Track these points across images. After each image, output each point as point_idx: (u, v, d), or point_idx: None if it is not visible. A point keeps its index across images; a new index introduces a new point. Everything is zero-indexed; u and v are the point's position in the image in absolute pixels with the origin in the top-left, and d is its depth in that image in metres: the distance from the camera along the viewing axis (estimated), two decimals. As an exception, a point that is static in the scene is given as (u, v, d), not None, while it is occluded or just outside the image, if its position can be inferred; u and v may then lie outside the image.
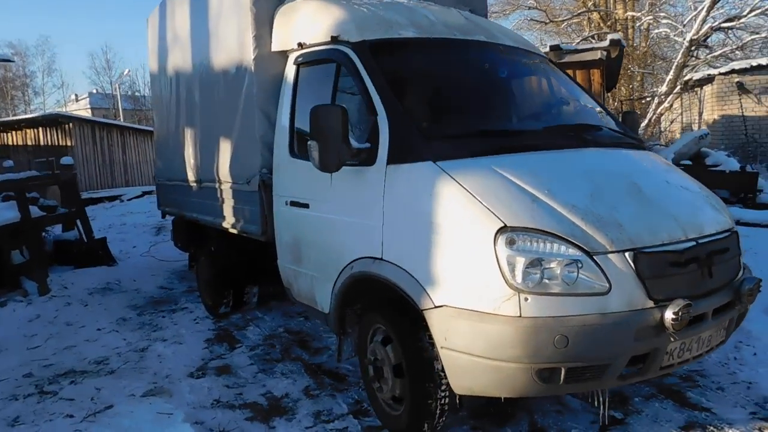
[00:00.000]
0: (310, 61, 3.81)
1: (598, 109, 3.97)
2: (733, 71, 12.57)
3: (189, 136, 5.74)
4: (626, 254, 2.56)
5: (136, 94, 48.62)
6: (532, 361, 2.50)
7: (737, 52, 13.94)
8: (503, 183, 2.73)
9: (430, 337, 2.89)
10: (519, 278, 2.49)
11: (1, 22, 74.26)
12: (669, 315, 2.49)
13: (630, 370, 2.63)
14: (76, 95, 53.55)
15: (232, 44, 4.47)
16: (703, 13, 13.21)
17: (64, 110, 44.91)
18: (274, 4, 4.17)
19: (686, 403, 3.46)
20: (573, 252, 2.51)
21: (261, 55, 4.14)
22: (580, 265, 2.50)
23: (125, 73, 41.19)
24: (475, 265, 2.61)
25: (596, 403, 2.98)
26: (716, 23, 13.31)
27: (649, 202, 2.88)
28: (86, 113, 42.35)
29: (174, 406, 3.82)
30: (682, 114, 14.16)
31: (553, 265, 2.50)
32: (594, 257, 2.52)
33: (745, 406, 3.40)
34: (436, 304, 2.73)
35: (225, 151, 4.82)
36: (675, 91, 13.44)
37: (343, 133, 3.00)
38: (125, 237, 10.82)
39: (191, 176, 5.77)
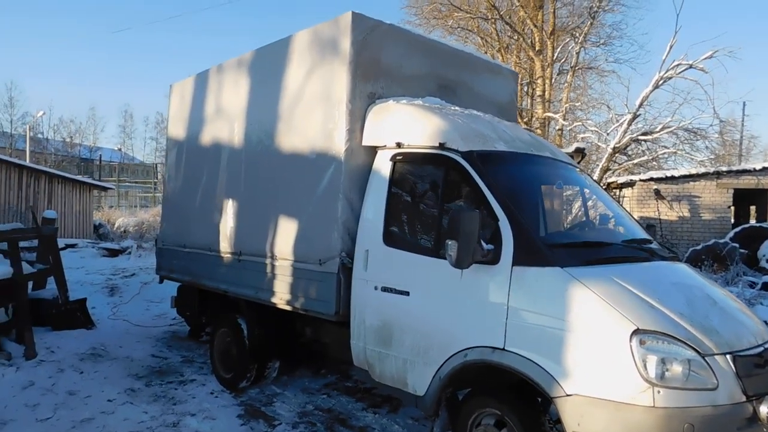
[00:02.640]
0: (411, 160, 4.24)
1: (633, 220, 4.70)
2: (651, 179, 14.47)
3: (226, 207, 5.85)
4: (727, 356, 3.13)
5: (38, 136, 45.97)
6: (665, 445, 2.95)
7: (653, 162, 16.07)
8: (624, 290, 3.25)
9: (550, 420, 3.28)
10: (652, 373, 2.98)
11: None
12: (765, 409, 3.07)
13: (730, 455, 3.16)
14: (-34, 130, 49.29)
15: (314, 131, 4.79)
16: (625, 125, 15.17)
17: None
18: (367, 103, 4.59)
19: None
20: (690, 353, 3.05)
21: (351, 147, 4.50)
22: (696, 364, 3.03)
23: (39, 114, 39.18)
24: (611, 360, 3.06)
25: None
26: (634, 135, 15.32)
27: (724, 312, 3.52)
28: (-24, 150, 39.12)
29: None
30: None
31: (675, 363, 3.02)
32: (705, 358, 3.06)
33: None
34: (568, 393, 3.13)
35: (287, 229, 5.02)
36: (599, 191, 15.12)
37: (478, 235, 3.42)
38: (76, 296, 10.18)
39: (225, 247, 5.83)
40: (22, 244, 6.97)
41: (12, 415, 5.02)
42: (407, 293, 4.00)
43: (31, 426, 4.83)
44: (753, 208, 17.03)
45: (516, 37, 22.77)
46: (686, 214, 14.55)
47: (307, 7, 74.17)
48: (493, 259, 3.52)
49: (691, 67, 14.20)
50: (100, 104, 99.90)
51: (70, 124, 54.20)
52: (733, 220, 16.15)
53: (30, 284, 7.54)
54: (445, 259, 3.56)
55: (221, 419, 5.06)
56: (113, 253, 15.30)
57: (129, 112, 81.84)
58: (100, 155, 46.54)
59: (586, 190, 4.68)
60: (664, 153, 16.02)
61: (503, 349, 3.42)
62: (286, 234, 5.05)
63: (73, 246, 17.07)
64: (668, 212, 14.52)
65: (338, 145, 4.54)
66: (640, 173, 15.42)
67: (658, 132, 15.45)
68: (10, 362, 6.09)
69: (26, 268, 6.63)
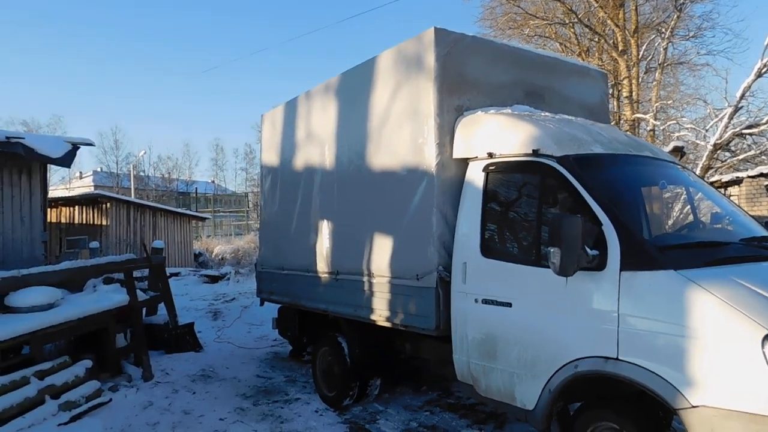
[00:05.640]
0: (504, 170, 4.19)
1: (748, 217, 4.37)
2: (761, 174, 13.41)
3: (322, 228, 6.01)
4: None
5: (141, 173, 49.73)
6: (811, 460, 2.68)
7: (762, 156, 14.91)
8: (749, 292, 3.01)
9: (673, 434, 3.08)
10: (791, 382, 2.72)
11: (15, 100, 76.81)
12: None
13: None
14: (80, 172, 54.23)
15: (404, 148, 4.85)
16: (726, 119, 14.20)
17: (69, 186, 46.00)
18: (455, 116, 4.59)
19: None
20: (832, 359, 2.76)
21: (442, 161, 4.51)
22: (840, 371, 2.74)
23: (141, 154, 42.58)
24: (741, 368, 2.83)
25: None
26: (737, 129, 14.29)
27: None
28: (89, 190, 42.73)
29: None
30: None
31: (816, 370, 2.74)
32: None
33: None
34: (693, 404, 2.93)
35: (383, 246, 5.08)
36: (702, 191, 14.17)
37: (581, 240, 3.30)
38: (183, 321, 10.79)
39: (322, 267, 5.98)
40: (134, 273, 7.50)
41: (136, 434, 5.37)
42: (509, 304, 3.92)
43: (153, 444, 5.13)
44: None
45: (597, 39, 22.02)
46: (804, 210, 13.35)
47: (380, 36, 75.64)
48: (598, 264, 3.38)
49: (797, 50, 13.10)
50: (194, 139, 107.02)
51: (168, 161, 58.41)
52: None
53: (143, 310, 8.09)
54: (547, 267, 3.47)
55: (329, 438, 5.15)
56: (213, 279, 16.09)
57: (220, 145, 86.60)
58: (196, 188, 49.55)
59: (692, 188, 4.41)
60: (772, 145, 14.83)
61: (617, 359, 3.26)
62: (381, 251, 5.10)
63: (176, 274, 18.12)
64: (783, 209, 13.39)
65: (429, 160, 4.56)
66: (747, 169, 14.34)
67: (765, 124, 14.32)
68: (131, 384, 6.53)
69: (140, 296, 7.12)
